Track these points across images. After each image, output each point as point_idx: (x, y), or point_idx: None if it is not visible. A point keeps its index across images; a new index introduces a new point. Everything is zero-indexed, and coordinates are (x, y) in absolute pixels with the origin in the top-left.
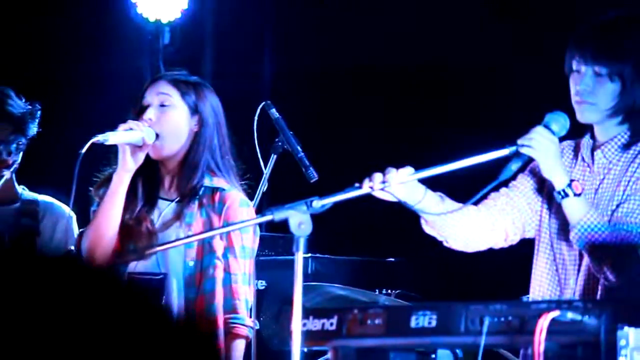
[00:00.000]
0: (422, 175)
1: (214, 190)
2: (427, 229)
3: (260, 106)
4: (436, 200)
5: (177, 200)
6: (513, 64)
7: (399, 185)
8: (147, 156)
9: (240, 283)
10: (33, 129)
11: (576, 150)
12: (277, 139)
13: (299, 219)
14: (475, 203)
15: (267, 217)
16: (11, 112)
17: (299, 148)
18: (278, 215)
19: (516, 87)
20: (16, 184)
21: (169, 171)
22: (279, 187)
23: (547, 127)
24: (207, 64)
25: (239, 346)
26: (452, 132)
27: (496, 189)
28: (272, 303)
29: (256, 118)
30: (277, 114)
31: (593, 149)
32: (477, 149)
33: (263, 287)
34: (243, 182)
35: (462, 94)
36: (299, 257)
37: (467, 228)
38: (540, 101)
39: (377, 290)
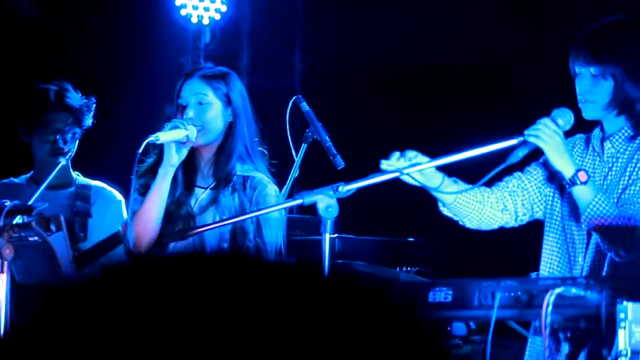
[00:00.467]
0: (440, 162)
1: (245, 177)
2: (444, 210)
3: (292, 100)
4: (452, 184)
5: (212, 186)
6: (523, 63)
7: (418, 172)
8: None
9: (270, 239)
10: (88, 121)
11: (587, 142)
12: (307, 130)
13: (326, 203)
14: (489, 185)
15: (298, 201)
16: (69, 104)
17: (327, 138)
18: (308, 199)
19: (526, 84)
20: (71, 170)
21: (205, 160)
22: (309, 174)
23: (553, 120)
24: (243, 61)
25: None
26: (465, 124)
27: (510, 173)
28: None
29: (288, 110)
30: (307, 106)
31: (602, 140)
32: (489, 139)
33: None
34: (271, 166)
35: (477, 91)
36: (327, 237)
37: (480, 208)
38: (548, 98)
39: (397, 268)
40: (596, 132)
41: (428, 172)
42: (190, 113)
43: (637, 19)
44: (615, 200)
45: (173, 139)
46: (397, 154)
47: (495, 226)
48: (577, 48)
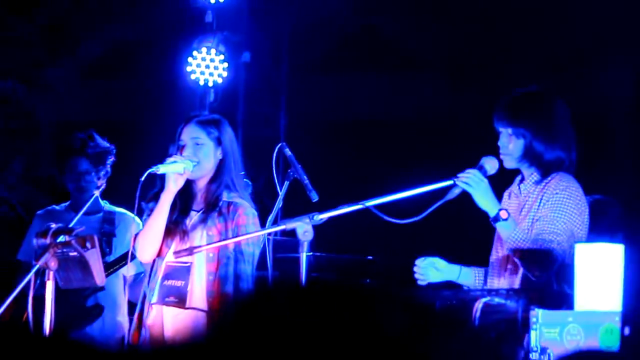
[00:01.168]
0: (389, 199)
1: (229, 203)
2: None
3: (277, 146)
4: (470, 272)
5: (202, 210)
6: (459, 120)
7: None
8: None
9: (244, 271)
10: (109, 163)
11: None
12: (289, 170)
13: (304, 228)
14: None
15: (281, 227)
16: (90, 152)
17: (305, 177)
18: (289, 225)
19: (462, 136)
20: (100, 200)
21: (199, 188)
22: (290, 205)
23: (482, 167)
24: (239, 116)
25: None
26: (410, 169)
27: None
28: (281, 288)
29: (274, 155)
30: (289, 152)
31: (520, 184)
32: (429, 180)
33: (276, 276)
34: (255, 195)
35: (424, 140)
36: (304, 255)
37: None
38: (479, 146)
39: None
40: (518, 178)
41: (445, 269)
42: (188, 150)
43: (543, 91)
44: (529, 231)
45: (172, 170)
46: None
47: None
48: (498, 113)
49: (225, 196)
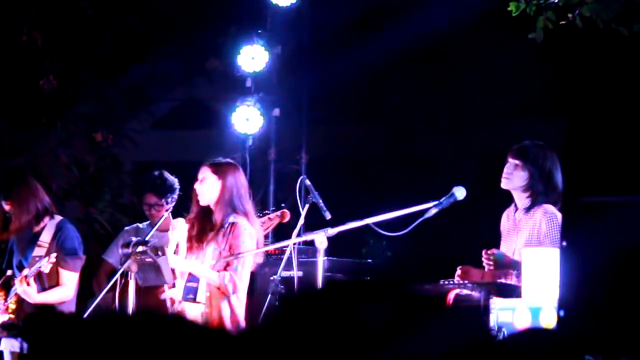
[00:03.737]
0: (384, 217)
1: (231, 223)
2: None
3: (300, 178)
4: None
5: (213, 229)
6: (433, 158)
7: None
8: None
9: (240, 272)
10: (174, 195)
11: (508, 213)
12: (309, 196)
13: (320, 239)
14: None
15: (303, 238)
16: (159, 187)
17: (320, 201)
18: (309, 237)
19: (436, 170)
20: (171, 219)
21: (212, 211)
22: (309, 222)
23: (452, 194)
24: (272, 156)
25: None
26: (397, 195)
27: None
28: (305, 284)
29: (297, 185)
30: (309, 182)
31: (515, 212)
32: (415, 203)
33: (300, 275)
34: (262, 214)
35: (405, 173)
36: (320, 259)
37: None
38: (449, 178)
39: (367, 278)
40: (512, 206)
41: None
42: (197, 185)
43: (546, 146)
44: (518, 252)
45: (175, 236)
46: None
47: None
48: (511, 150)
49: (231, 218)
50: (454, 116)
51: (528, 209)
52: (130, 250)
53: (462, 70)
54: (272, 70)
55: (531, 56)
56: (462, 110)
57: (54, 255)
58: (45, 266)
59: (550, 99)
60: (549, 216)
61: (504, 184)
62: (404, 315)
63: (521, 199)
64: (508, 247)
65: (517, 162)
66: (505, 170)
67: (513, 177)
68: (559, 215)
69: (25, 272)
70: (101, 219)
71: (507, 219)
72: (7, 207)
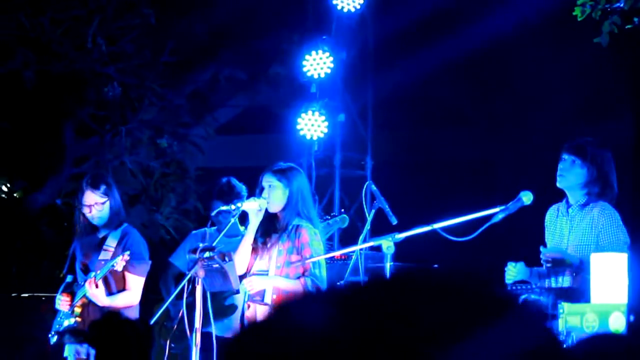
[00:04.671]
0: (450, 222)
1: (296, 226)
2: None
3: (366, 184)
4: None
5: (278, 233)
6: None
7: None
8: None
9: (321, 277)
10: (244, 198)
11: (559, 209)
12: (375, 201)
13: (387, 244)
14: None
15: (370, 243)
16: (232, 193)
17: (386, 206)
18: (376, 242)
19: (506, 175)
20: (239, 225)
21: (277, 217)
22: (376, 228)
23: (519, 199)
24: (337, 161)
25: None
26: (464, 199)
27: None
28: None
29: (363, 190)
30: (374, 187)
31: (567, 208)
32: (481, 208)
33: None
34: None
35: (470, 178)
36: (387, 265)
37: None
38: (514, 183)
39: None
40: (563, 203)
41: (522, 270)
42: (265, 192)
43: (602, 141)
44: (575, 249)
45: (249, 207)
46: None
47: None
48: (567, 147)
49: (295, 221)
50: (519, 120)
51: (584, 206)
52: (197, 255)
53: (527, 74)
54: (337, 75)
55: (595, 59)
56: (526, 113)
57: (127, 253)
58: (119, 264)
59: (614, 102)
60: (608, 213)
61: (560, 183)
62: (468, 314)
63: (576, 196)
64: (558, 243)
65: (574, 158)
66: (560, 167)
67: (570, 175)
68: (617, 214)
69: (93, 274)
70: (167, 224)
71: (556, 215)
72: (96, 200)
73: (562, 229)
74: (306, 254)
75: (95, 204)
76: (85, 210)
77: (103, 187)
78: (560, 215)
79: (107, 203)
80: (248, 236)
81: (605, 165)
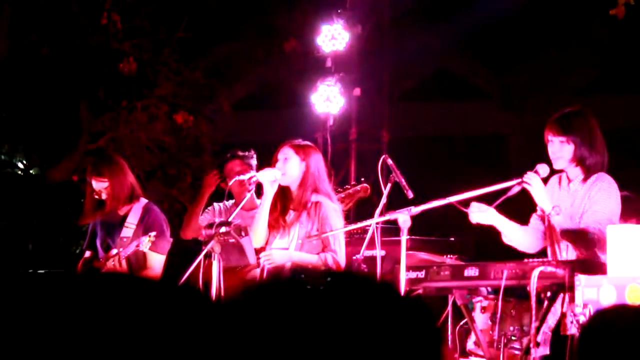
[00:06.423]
0: (467, 196)
1: (315, 202)
2: (505, 240)
3: (382, 157)
4: (511, 225)
5: (296, 209)
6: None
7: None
8: (284, 188)
9: (340, 252)
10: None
11: (559, 181)
12: (391, 175)
13: (403, 218)
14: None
15: (386, 217)
16: (250, 158)
17: (402, 180)
18: (392, 216)
19: (522, 148)
20: (255, 198)
21: (292, 192)
22: (392, 201)
23: (536, 172)
24: (352, 135)
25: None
26: (481, 173)
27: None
28: (388, 263)
29: (379, 164)
30: (391, 161)
31: (568, 183)
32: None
33: (383, 254)
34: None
35: (487, 152)
36: (404, 238)
37: (526, 239)
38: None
39: (445, 256)
40: (564, 175)
41: (489, 212)
42: (279, 163)
43: (584, 109)
44: (578, 220)
45: (264, 178)
46: (474, 204)
47: (539, 248)
48: (551, 125)
49: (313, 198)
50: (533, 94)
51: (584, 180)
52: (213, 231)
53: (540, 48)
54: (352, 49)
55: (611, 32)
56: (540, 88)
57: (153, 234)
58: (145, 244)
59: (629, 75)
60: (607, 181)
61: (558, 165)
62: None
63: (574, 172)
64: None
65: (561, 138)
66: (551, 150)
67: (564, 154)
68: (614, 184)
69: (115, 251)
70: (182, 200)
71: (559, 186)
72: (101, 185)
73: (563, 201)
74: (326, 229)
75: (104, 189)
76: (97, 195)
77: (107, 172)
78: (562, 188)
79: (116, 183)
80: (264, 207)
81: (591, 132)
